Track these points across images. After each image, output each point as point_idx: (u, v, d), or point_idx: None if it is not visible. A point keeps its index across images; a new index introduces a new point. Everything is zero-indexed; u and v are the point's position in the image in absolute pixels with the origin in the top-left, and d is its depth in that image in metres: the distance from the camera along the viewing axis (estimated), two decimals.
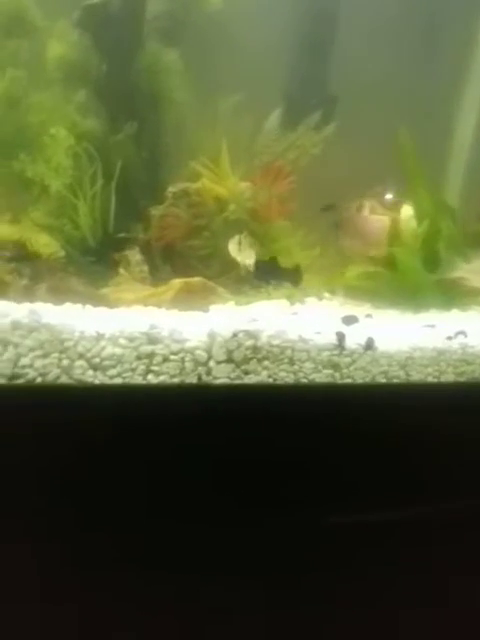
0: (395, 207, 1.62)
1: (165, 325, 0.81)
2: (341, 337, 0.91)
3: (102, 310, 0.93)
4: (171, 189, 1.68)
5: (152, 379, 0.80)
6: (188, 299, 1.30)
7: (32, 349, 0.74)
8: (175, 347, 0.81)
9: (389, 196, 1.80)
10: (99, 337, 0.77)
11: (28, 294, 1.24)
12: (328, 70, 2.24)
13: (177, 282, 1.37)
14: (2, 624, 0.74)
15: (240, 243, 1.38)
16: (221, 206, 1.64)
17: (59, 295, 1.29)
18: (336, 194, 1.82)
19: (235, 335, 0.83)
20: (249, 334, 0.84)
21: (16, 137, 1.55)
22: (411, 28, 2.19)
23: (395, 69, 2.13)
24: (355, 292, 1.52)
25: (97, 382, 0.77)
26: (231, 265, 1.57)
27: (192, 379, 0.82)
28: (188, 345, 0.81)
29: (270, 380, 0.87)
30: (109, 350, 0.77)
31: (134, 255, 1.64)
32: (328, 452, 0.89)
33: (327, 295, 1.52)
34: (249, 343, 0.84)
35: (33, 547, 0.77)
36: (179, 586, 0.84)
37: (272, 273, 1.38)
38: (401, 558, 0.86)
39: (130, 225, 1.67)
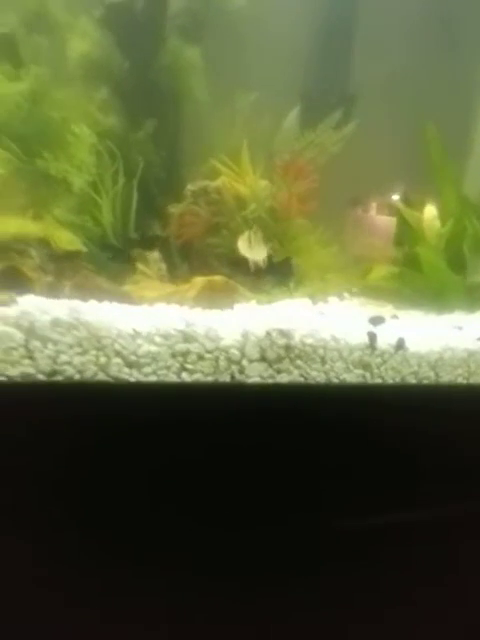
0: (418, 206, 1.62)
1: (200, 323, 0.81)
2: (373, 337, 0.92)
3: (137, 308, 0.94)
4: (190, 187, 1.68)
5: (186, 377, 0.81)
6: (211, 297, 1.31)
7: (71, 346, 0.75)
8: (210, 345, 0.81)
9: (396, 197, 1.80)
10: (136, 335, 0.78)
11: (54, 291, 1.25)
12: (347, 68, 2.24)
13: (200, 280, 1.37)
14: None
15: (250, 240, 1.37)
16: (240, 204, 1.64)
17: (84, 292, 1.31)
18: (356, 192, 1.82)
19: (269, 334, 0.84)
20: (282, 333, 0.85)
21: (39, 134, 1.57)
22: (431, 23, 2.18)
23: (415, 65, 2.13)
24: (377, 292, 1.52)
25: (133, 380, 0.78)
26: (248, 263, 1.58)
27: (225, 377, 0.83)
28: (222, 343, 0.82)
29: (302, 379, 0.87)
30: (145, 348, 0.78)
31: (152, 252, 1.65)
32: (358, 451, 0.89)
33: (347, 295, 1.53)
34: (282, 342, 0.85)
35: (66, 538, 0.79)
36: (206, 588, 0.85)
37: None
38: (432, 559, 0.86)
39: (148, 222, 1.68)
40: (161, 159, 1.73)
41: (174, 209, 1.70)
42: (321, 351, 0.87)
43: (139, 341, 0.78)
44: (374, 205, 1.73)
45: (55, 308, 0.76)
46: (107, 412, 0.77)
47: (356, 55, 2.21)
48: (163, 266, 1.65)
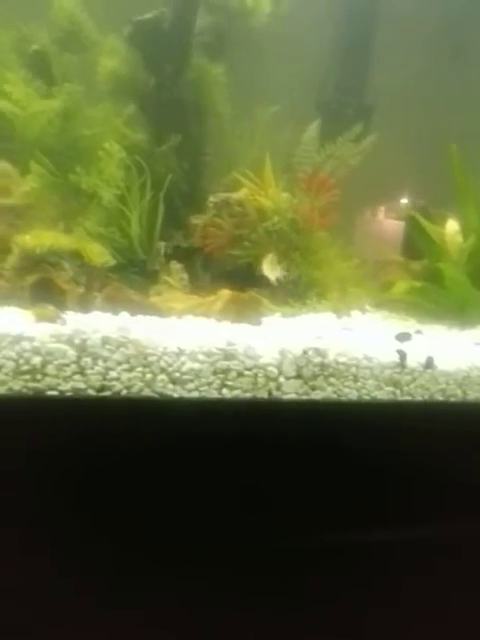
0: (439, 221, 1.64)
1: (240, 342, 0.85)
2: (403, 356, 0.94)
3: (180, 323, 0.98)
4: (212, 199, 1.72)
5: (226, 393, 0.84)
6: (237, 310, 1.34)
7: (119, 363, 0.79)
8: (249, 363, 0.85)
9: (405, 200, 1.81)
10: (180, 353, 0.82)
11: (85, 303, 1.29)
12: (364, 81, 2.28)
13: (226, 293, 1.40)
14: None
15: (272, 261, 1.41)
16: (262, 216, 1.67)
17: (115, 304, 1.35)
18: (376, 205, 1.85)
19: (305, 352, 0.87)
20: (318, 351, 0.88)
21: (71, 149, 1.61)
22: (447, 39, 2.21)
23: (431, 79, 2.15)
24: (399, 305, 1.54)
25: (176, 395, 0.82)
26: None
27: (263, 394, 0.86)
28: (261, 361, 0.85)
29: (335, 396, 0.91)
30: (188, 365, 0.82)
31: (175, 263, 1.69)
32: (389, 466, 0.91)
33: (369, 308, 1.55)
34: (317, 360, 0.88)
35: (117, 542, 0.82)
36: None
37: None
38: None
39: (171, 233, 1.72)
40: (184, 172, 1.78)
41: (196, 220, 1.75)
42: (354, 369, 0.91)
43: (183, 358, 0.82)
44: (382, 209, 1.75)
45: (105, 326, 0.80)
46: (152, 426, 0.80)
47: (373, 68, 2.26)
48: (185, 276, 1.70)
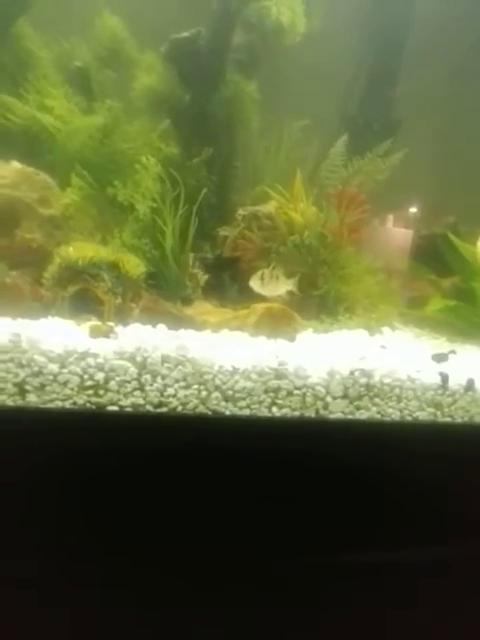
0: (470, 239, 1.66)
1: (290, 360, 0.87)
2: (445, 378, 0.96)
3: (238, 345, 0.99)
4: (241, 212, 1.75)
5: (276, 411, 0.87)
6: (270, 324, 1.37)
7: (177, 380, 0.82)
8: (298, 382, 0.87)
9: (414, 209, 1.82)
10: (234, 371, 0.84)
11: (122, 313, 1.33)
12: (392, 96, 2.30)
13: (260, 307, 1.43)
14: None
15: (262, 278, 1.41)
16: (290, 230, 1.70)
17: (152, 315, 1.38)
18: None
19: (352, 373, 0.89)
20: (364, 372, 0.90)
21: (109, 163, 1.66)
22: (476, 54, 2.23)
23: (458, 93, 2.17)
24: (426, 322, 1.56)
25: (228, 413, 0.85)
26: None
27: (310, 413, 0.88)
28: (310, 381, 0.88)
29: (378, 416, 0.93)
30: (241, 383, 0.85)
31: (202, 274, 1.72)
32: (430, 485, 0.93)
33: (398, 325, 1.57)
34: (363, 381, 0.90)
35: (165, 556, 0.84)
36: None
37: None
38: None
39: (200, 244, 1.75)
40: (213, 184, 1.81)
41: (224, 232, 1.78)
42: (397, 390, 0.93)
43: (236, 377, 0.85)
44: (391, 217, 1.76)
45: (164, 344, 0.83)
46: (205, 442, 0.83)
47: (400, 83, 2.29)
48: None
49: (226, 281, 1.74)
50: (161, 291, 1.54)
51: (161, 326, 1.19)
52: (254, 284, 1.37)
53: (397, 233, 1.74)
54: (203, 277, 1.73)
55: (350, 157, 1.82)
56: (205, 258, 1.77)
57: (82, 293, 1.40)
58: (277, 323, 1.38)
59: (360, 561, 0.91)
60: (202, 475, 0.83)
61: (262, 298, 1.53)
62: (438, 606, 0.92)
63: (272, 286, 1.39)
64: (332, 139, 1.93)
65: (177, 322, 1.33)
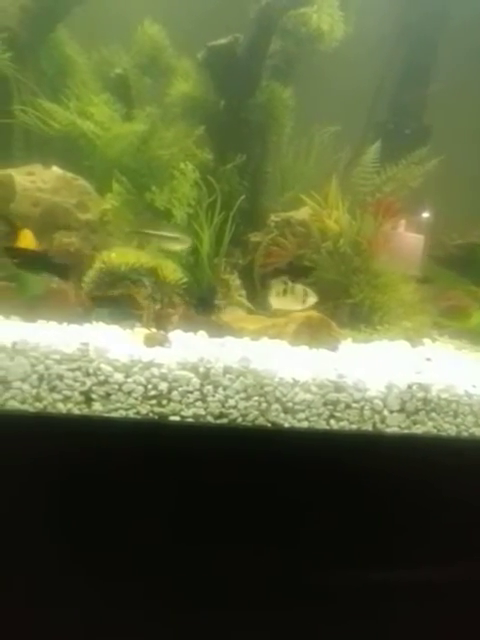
0: None
1: (350, 374, 0.87)
2: None
3: (296, 357, 0.99)
4: (274, 218, 1.75)
5: (334, 424, 0.86)
6: (309, 333, 1.36)
7: (238, 392, 0.82)
8: (357, 395, 0.87)
9: (427, 215, 1.80)
10: (294, 383, 0.84)
11: (161, 319, 1.33)
12: (422, 102, 2.29)
13: (299, 316, 1.42)
14: None
15: (283, 294, 1.38)
16: (323, 237, 1.69)
17: (191, 323, 1.38)
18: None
19: (410, 387, 0.89)
20: (421, 386, 0.90)
21: (148, 169, 1.67)
22: None
23: None
24: (468, 334, 1.54)
25: (287, 425, 0.84)
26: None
27: (368, 426, 0.88)
28: (368, 394, 0.87)
29: (434, 431, 0.92)
30: (301, 396, 0.84)
31: (234, 280, 1.71)
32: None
33: (437, 337, 1.55)
34: (420, 395, 0.90)
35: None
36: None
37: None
38: None
39: (231, 250, 1.75)
40: (245, 190, 1.81)
41: (255, 238, 1.78)
42: (454, 405, 0.92)
43: (296, 389, 0.84)
44: (402, 222, 1.75)
45: (227, 355, 0.83)
46: (264, 453, 0.82)
47: (430, 89, 2.27)
48: (243, 293, 1.72)
49: (257, 286, 1.74)
50: (194, 297, 1.55)
51: (201, 333, 1.20)
52: (273, 301, 1.35)
53: (409, 239, 1.73)
54: (236, 282, 1.74)
55: (382, 164, 1.82)
56: (236, 264, 1.78)
57: (126, 298, 1.42)
58: (316, 332, 1.37)
59: (415, 578, 0.90)
60: (260, 485, 0.82)
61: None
62: None
63: (291, 300, 1.38)
64: (362, 145, 1.93)
65: (216, 330, 1.34)
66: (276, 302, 1.35)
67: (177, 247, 1.43)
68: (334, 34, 1.80)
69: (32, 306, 1.17)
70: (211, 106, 1.83)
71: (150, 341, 0.99)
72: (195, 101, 1.83)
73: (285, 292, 1.35)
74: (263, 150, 1.89)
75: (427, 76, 2.25)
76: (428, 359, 1.24)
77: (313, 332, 1.37)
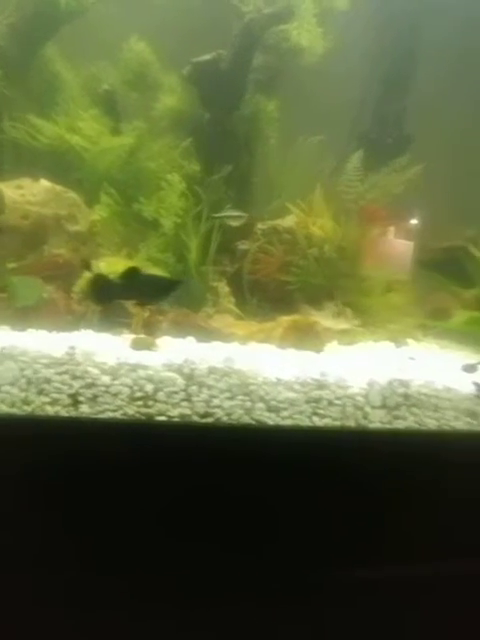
0: None
1: (333, 373, 0.89)
2: (479, 387, 0.98)
3: (281, 356, 1.03)
4: (260, 226, 1.79)
5: (317, 421, 0.88)
6: (296, 336, 1.39)
7: (222, 391, 0.84)
8: (339, 392, 0.89)
9: (415, 221, 1.85)
10: (278, 382, 0.86)
11: (150, 326, 1.35)
12: (402, 110, 2.35)
13: (285, 320, 1.45)
14: None
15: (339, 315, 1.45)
16: (309, 243, 1.73)
17: (181, 328, 1.40)
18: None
19: (391, 383, 0.91)
20: (402, 382, 0.92)
21: (135, 181, 1.71)
22: None
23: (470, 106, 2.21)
24: (447, 334, 1.57)
25: (271, 422, 0.86)
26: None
27: (350, 422, 0.90)
28: (350, 391, 0.90)
29: (416, 425, 0.94)
30: (284, 394, 0.87)
31: (223, 287, 1.74)
32: (467, 493, 0.94)
33: (422, 337, 1.58)
34: (401, 391, 0.92)
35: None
36: None
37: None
38: None
39: (219, 258, 1.78)
40: (231, 199, 1.86)
41: (243, 246, 1.82)
42: (434, 400, 0.94)
43: (279, 388, 0.87)
44: (391, 229, 1.79)
45: (212, 357, 0.86)
46: (249, 451, 0.84)
47: (411, 98, 2.34)
48: (232, 300, 1.75)
49: (246, 293, 1.77)
50: (183, 304, 1.57)
51: (190, 339, 1.22)
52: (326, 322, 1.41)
53: (397, 244, 1.77)
54: (225, 290, 1.77)
55: (366, 172, 1.87)
56: (225, 272, 1.81)
57: (114, 306, 1.44)
58: (303, 335, 1.41)
59: (399, 573, 0.91)
60: (246, 482, 0.84)
61: (281, 311, 1.57)
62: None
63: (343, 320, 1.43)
64: (345, 154, 1.98)
65: (206, 335, 1.36)
66: (329, 323, 1.43)
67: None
68: (314, 49, 1.87)
69: (23, 315, 1.19)
70: (197, 119, 1.89)
71: (138, 345, 1.01)
72: (181, 114, 1.88)
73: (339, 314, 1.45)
74: (249, 161, 1.94)
75: (406, 87, 2.33)
76: (411, 358, 1.27)
77: (300, 335, 1.40)
